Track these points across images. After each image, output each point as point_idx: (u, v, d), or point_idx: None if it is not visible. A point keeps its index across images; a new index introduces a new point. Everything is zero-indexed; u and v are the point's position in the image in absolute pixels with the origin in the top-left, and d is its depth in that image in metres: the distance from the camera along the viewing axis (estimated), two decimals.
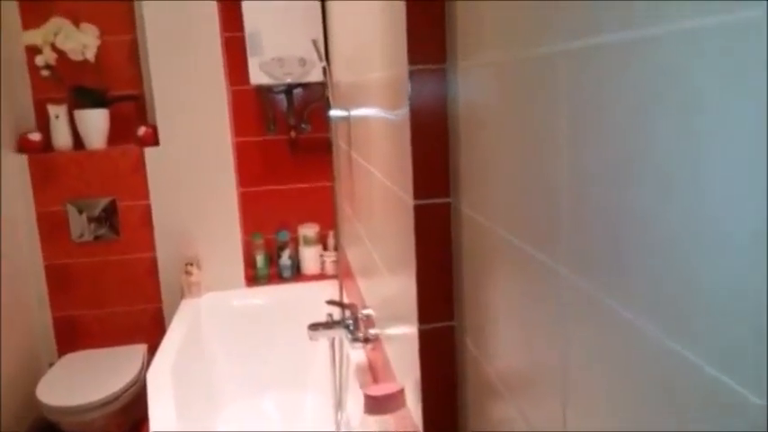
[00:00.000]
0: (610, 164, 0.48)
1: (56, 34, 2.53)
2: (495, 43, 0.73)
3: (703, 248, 0.38)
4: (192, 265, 2.68)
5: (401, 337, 1.19)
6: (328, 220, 2.82)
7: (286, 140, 2.80)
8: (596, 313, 0.52)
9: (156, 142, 2.63)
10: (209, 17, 2.60)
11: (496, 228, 0.77)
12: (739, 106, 0.34)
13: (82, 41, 2.54)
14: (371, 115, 1.42)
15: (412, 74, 0.92)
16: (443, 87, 0.93)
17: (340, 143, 2.22)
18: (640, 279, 0.45)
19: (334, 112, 1.99)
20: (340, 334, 1.72)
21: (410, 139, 0.95)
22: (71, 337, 2.72)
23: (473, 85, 0.83)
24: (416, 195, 0.97)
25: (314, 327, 1.72)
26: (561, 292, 0.58)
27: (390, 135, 1.16)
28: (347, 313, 1.74)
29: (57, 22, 2.54)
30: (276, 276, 2.84)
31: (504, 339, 0.77)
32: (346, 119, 1.96)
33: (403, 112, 0.99)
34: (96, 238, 2.65)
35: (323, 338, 1.79)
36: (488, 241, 0.80)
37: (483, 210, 0.82)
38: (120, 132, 2.67)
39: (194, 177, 2.67)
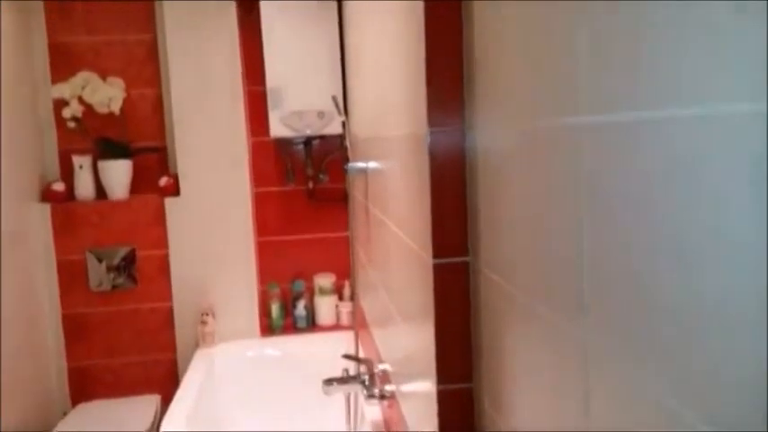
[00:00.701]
0: (628, 234, 0.49)
1: (83, 87, 2.61)
2: (517, 109, 0.74)
3: (720, 326, 0.38)
4: (207, 314, 2.68)
5: (417, 396, 1.18)
6: (344, 270, 2.82)
7: (304, 191, 2.84)
8: (619, 383, 0.51)
9: (176, 192, 2.68)
10: (233, 72, 2.68)
11: (516, 291, 0.76)
12: (739, 188, 0.35)
13: (108, 94, 2.62)
14: (389, 171, 1.43)
15: (432, 134, 0.94)
16: (463, 148, 0.94)
17: (357, 195, 2.24)
18: (669, 356, 0.45)
19: (352, 166, 2.01)
20: (355, 389, 1.70)
21: (430, 197, 0.96)
22: (85, 386, 2.70)
23: (493, 148, 0.84)
24: (436, 254, 0.97)
25: (329, 382, 1.70)
26: (584, 359, 0.58)
27: (409, 192, 1.17)
28: (363, 368, 1.72)
29: (84, 76, 2.62)
30: (291, 326, 2.83)
31: (523, 403, 0.76)
32: (364, 172, 1.98)
33: (422, 171, 1.00)
34: (114, 287, 2.67)
35: (338, 393, 1.76)
36: (507, 303, 0.80)
37: (502, 271, 0.82)
38: (141, 182, 2.72)
39: (213, 227, 2.70)
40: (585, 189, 0.56)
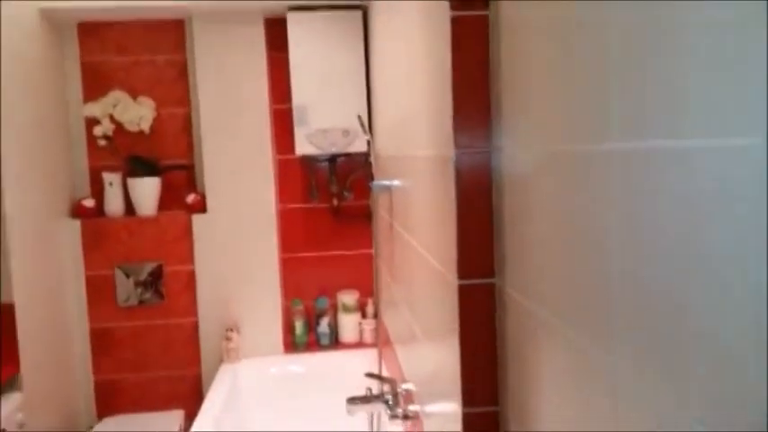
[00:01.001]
0: (658, 258, 0.48)
1: (114, 106, 2.67)
2: (545, 131, 0.74)
3: (755, 352, 0.37)
4: (231, 330, 2.69)
5: (442, 417, 1.17)
6: (368, 288, 2.82)
7: (328, 208, 2.85)
8: (649, 409, 0.50)
9: (203, 209, 2.72)
10: (260, 91, 2.72)
11: (544, 313, 0.76)
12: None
13: (139, 113, 2.67)
14: (415, 190, 1.44)
15: (458, 156, 0.94)
16: (489, 169, 0.94)
17: (381, 212, 2.25)
18: (701, 383, 0.44)
19: (376, 183, 2.02)
20: (379, 409, 1.69)
21: (455, 218, 0.96)
22: (110, 400, 2.73)
23: (520, 170, 0.84)
24: (461, 275, 0.97)
25: (352, 401, 1.70)
26: (613, 385, 0.57)
27: (434, 212, 1.17)
28: (386, 387, 1.71)
29: (116, 96, 2.68)
30: (314, 343, 2.83)
31: (551, 429, 0.75)
32: (388, 190, 1.99)
33: (448, 192, 1.00)
34: (141, 302, 2.70)
35: (361, 412, 1.75)
36: (534, 325, 0.79)
37: (530, 293, 0.81)
38: (169, 199, 2.76)
39: (238, 243, 2.73)
40: (615, 213, 0.56)
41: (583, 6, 0.61)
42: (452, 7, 0.91)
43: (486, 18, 0.91)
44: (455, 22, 0.92)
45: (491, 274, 0.96)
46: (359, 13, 2.65)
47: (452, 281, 0.99)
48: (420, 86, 1.28)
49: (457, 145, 0.94)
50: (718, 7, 0.41)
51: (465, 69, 0.93)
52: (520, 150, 0.83)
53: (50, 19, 2.57)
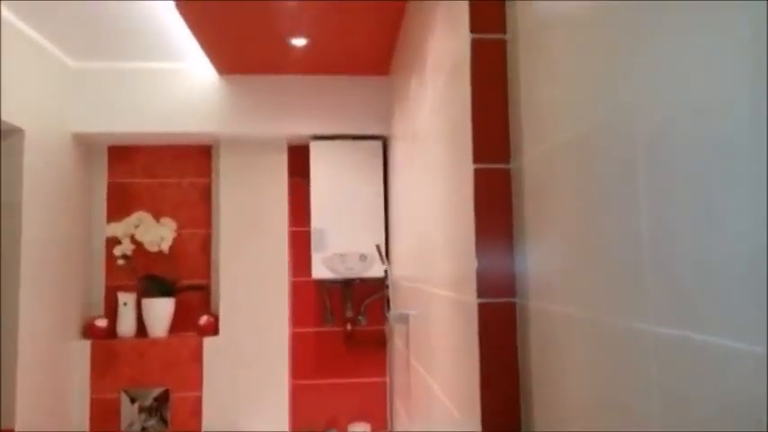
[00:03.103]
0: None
1: (136, 226, 2.72)
2: (573, 293, 0.72)
3: None
4: None
5: None
6: (380, 421, 2.70)
7: (341, 332, 2.80)
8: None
9: (215, 332, 2.67)
10: (280, 213, 2.77)
11: None
12: None
13: (160, 234, 2.71)
14: (434, 328, 1.40)
15: (481, 304, 0.92)
16: (513, 317, 0.92)
17: (397, 342, 2.19)
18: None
19: (393, 313, 1.99)
20: None
21: (478, 369, 0.92)
22: None
23: (545, 328, 0.81)
24: (485, 426, 0.91)
25: None
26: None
27: (455, 356, 1.13)
28: None
29: (139, 216, 2.74)
30: None
31: None
32: (405, 321, 1.95)
33: (469, 339, 0.97)
34: (144, 429, 2.59)
35: None
36: None
37: None
38: (182, 320, 2.73)
39: (248, 368, 2.66)
40: (655, 399, 0.52)
41: (612, 192, 0.61)
42: (476, 160, 0.93)
43: (508, 172, 0.93)
44: (478, 174, 0.93)
45: (516, 425, 0.91)
46: (379, 143, 2.74)
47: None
48: (442, 222, 1.28)
49: (480, 293, 0.92)
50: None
51: (487, 213, 0.93)
52: (545, 302, 0.81)
53: (82, 141, 2.69)
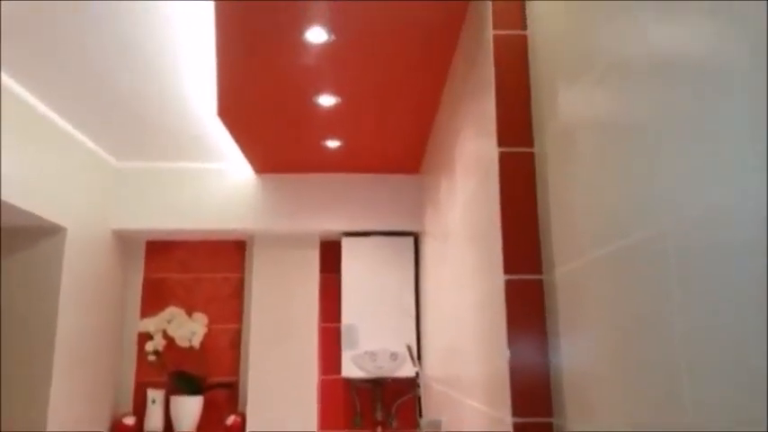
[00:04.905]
0: None
1: (169, 322, 2.73)
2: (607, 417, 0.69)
3: None
4: None
5: None
6: None
7: None
8: None
9: (242, 431, 2.61)
10: (310, 310, 2.75)
11: None
12: None
13: (191, 329, 2.72)
14: None
15: (516, 426, 0.88)
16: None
17: None
18: None
19: (425, 420, 1.91)
20: None
21: None
22: None
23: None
24: None
25: None
26: None
27: None
28: None
29: (172, 311, 2.76)
30: None
31: None
32: (437, 426, 1.87)
33: None
34: None
35: None
36: None
37: None
38: (210, 418, 2.68)
39: None
40: None
41: (644, 304, 0.59)
42: (506, 271, 0.92)
43: (540, 283, 0.91)
44: (509, 285, 0.91)
45: None
46: (411, 240, 2.75)
47: None
48: (470, 313, 1.25)
49: (515, 413, 0.88)
50: None
51: (520, 337, 0.91)
52: (583, 428, 0.77)
53: (122, 238, 2.76)
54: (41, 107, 2.10)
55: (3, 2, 1.51)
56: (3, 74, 1.87)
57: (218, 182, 2.70)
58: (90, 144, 2.45)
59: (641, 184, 0.61)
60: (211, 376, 2.75)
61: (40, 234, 2.23)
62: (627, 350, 0.64)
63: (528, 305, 0.92)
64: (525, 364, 0.90)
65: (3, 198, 1.86)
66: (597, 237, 0.72)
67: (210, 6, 1.50)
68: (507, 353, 0.91)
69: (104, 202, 2.59)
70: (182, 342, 2.73)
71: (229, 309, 2.86)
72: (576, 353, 0.79)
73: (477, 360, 1.21)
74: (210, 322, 2.81)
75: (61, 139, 2.24)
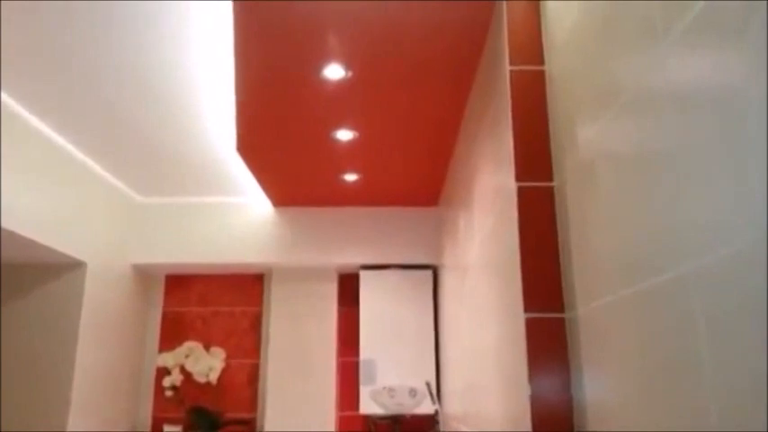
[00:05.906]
0: None
1: (187, 356, 2.72)
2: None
3: None
4: None
5: None
6: None
7: None
8: None
9: None
10: (328, 343, 2.72)
11: None
12: None
13: (209, 364, 2.70)
14: None
15: None
16: None
17: None
18: None
19: None
20: None
21: None
22: None
23: None
24: None
25: None
26: None
27: None
28: None
29: (190, 346, 2.75)
30: None
31: None
32: None
33: None
34: None
35: None
36: None
37: None
38: None
39: None
40: None
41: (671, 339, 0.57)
42: (526, 309, 0.89)
43: (562, 321, 0.88)
44: (529, 323, 0.89)
45: None
46: (429, 273, 2.72)
47: None
48: (490, 351, 1.22)
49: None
50: None
51: (541, 374, 0.88)
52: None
53: (141, 272, 2.77)
54: (62, 142, 2.13)
55: (28, 42, 1.55)
56: (26, 111, 1.91)
57: (237, 216, 2.71)
58: (111, 179, 2.49)
59: (665, 221, 0.59)
60: (229, 412, 2.72)
61: (61, 269, 2.25)
62: (654, 390, 0.61)
63: (549, 343, 0.89)
64: (547, 402, 0.87)
65: (24, 233, 1.89)
66: (622, 274, 0.70)
67: (230, 44, 1.53)
68: (528, 391, 0.88)
69: (125, 237, 2.61)
70: (199, 377, 2.71)
71: (247, 342, 2.84)
72: (601, 393, 0.76)
73: (497, 399, 1.17)
74: (228, 356, 2.79)
75: (83, 174, 2.27)
